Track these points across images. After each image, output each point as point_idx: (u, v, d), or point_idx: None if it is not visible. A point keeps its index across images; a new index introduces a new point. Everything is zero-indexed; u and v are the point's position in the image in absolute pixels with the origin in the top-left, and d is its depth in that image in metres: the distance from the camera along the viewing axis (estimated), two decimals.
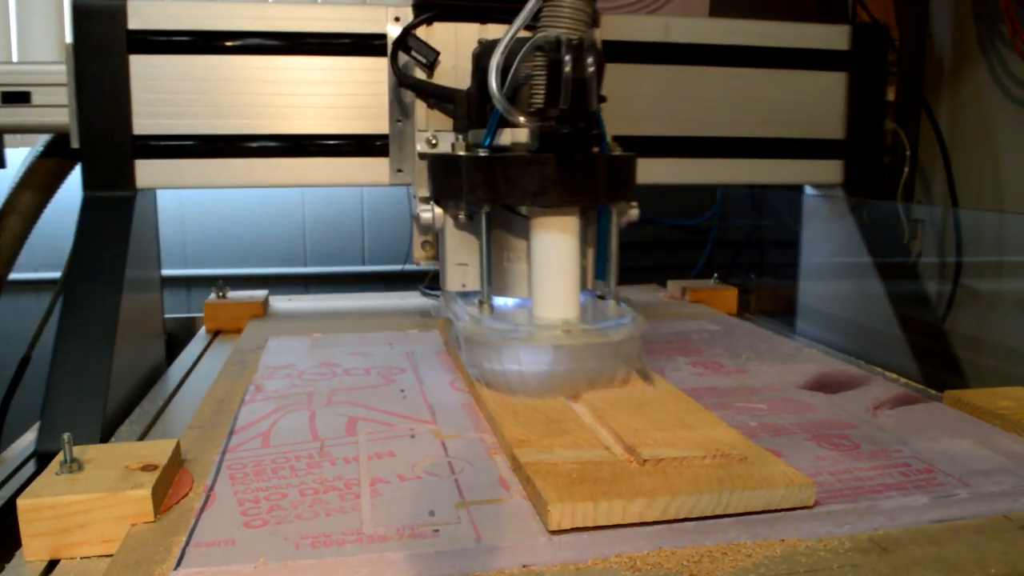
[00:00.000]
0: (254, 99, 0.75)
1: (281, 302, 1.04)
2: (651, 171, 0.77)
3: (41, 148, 0.83)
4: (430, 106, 0.72)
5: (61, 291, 0.79)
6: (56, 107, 0.74)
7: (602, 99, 0.58)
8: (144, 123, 0.73)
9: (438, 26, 0.72)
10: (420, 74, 0.72)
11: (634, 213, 0.65)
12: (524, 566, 0.39)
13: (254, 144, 0.76)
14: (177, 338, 0.98)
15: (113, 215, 0.72)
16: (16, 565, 0.41)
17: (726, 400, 0.62)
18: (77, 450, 0.45)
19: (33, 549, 0.41)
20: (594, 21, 0.57)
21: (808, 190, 0.93)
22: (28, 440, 0.62)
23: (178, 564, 0.37)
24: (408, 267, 1.42)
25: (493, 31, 0.72)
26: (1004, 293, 0.96)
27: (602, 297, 0.64)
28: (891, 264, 0.82)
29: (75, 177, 0.77)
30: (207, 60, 0.74)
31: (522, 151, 0.58)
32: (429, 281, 1.14)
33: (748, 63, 0.84)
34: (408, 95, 0.75)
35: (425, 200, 0.67)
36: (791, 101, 0.86)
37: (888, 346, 0.78)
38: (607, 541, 0.40)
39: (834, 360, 0.75)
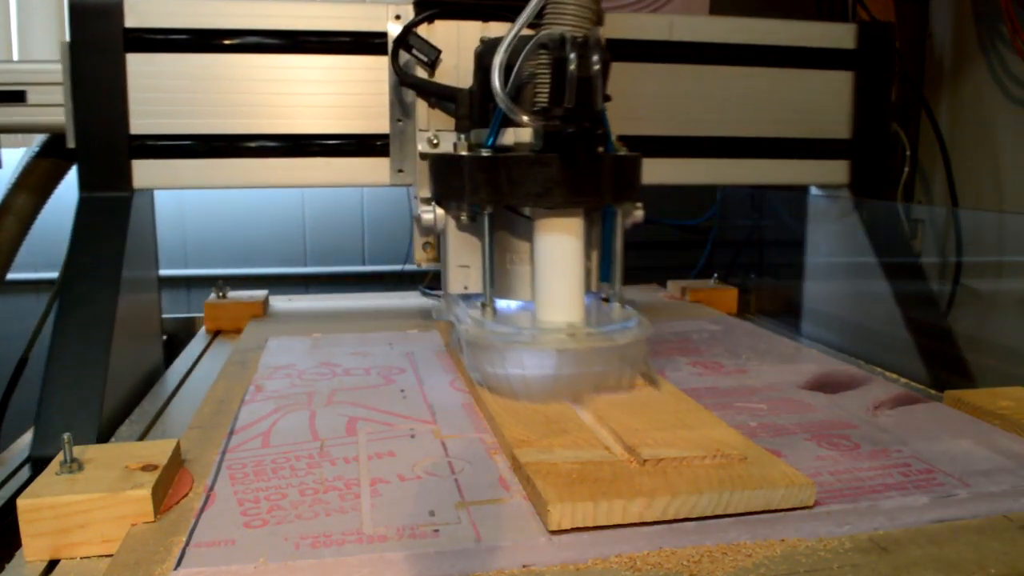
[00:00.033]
0: (252, 98, 0.75)
1: (281, 302, 1.04)
2: (655, 171, 0.77)
3: (37, 148, 0.82)
4: (431, 105, 0.71)
5: (58, 292, 0.78)
6: (52, 106, 0.73)
7: (607, 98, 0.57)
8: (141, 123, 0.73)
9: (439, 24, 0.72)
10: (421, 73, 0.72)
11: (639, 214, 0.64)
12: (524, 566, 0.39)
13: (252, 144, 0.75)
14: (177, 338, 0.98)
15: (109, 216, 0.71)
16: (16, 565, 0.41)
17: (726, 400, 0.61)
18: (77, 450, 0.45)
19: (33, 549, 0.41)
20: (598, 19, 0.56)
21: (813, 190, 0.93)
22: (26, 442, 0.61)
23: (178, 564, 0.37)
24: (408, 267, 1.42)
25: (495, 29, 0.71)
26: (1004, 293, 0.96)
27: (607, 300, 0.64)
28: (894, 264, 0.81)
29: (75, 176, 0.76)
30: (205, 59, 0.74)
31: (525, 151, 0.57)
32: (429, 281, 1.14)
33: (753, 62, 0.84)
34: (409, 94, 0.74)
35: (426, 201, 0.66)
36: (797, 100, 0.85)
37: (889, 346, 0.78)
38: (607, 541, 0.40)
39: (834, 360, 0.75)
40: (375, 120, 0.77)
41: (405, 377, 0.68)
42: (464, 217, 0.63)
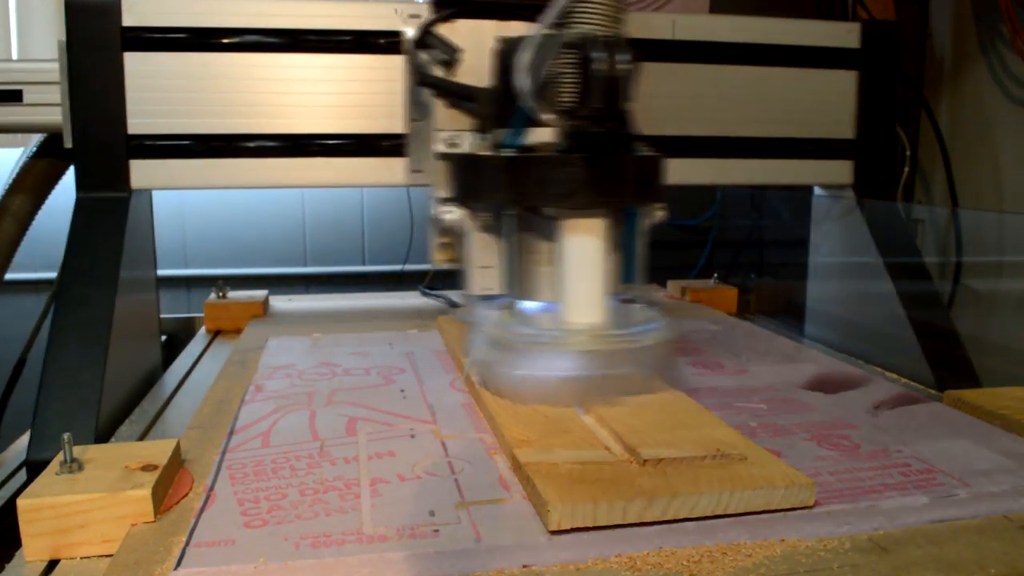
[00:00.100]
0: (251, 97, 0.75)
1: (281, 302, 1.04)
2: None
3: (34, 148, 0.82)
4: (450, 105, 0.71)
5: (55, 293, 0.78)
6: (49, 106, 0.73)
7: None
8: (139, 122, 0.73)
9: (455, 23, 0.71)
10: (438, 72, 0.71)
11: (660, 215, 0.63)
12: (524, 566, 0.39)
13: (252, 144, 0.75)
14: (177, 338, 0.98)
15: (107, 216, 0.71)
16: (16, 565, 0.41)
17: (726, 400, 0.61)
18: (77, 450, 0.45)
19: (33, 549, 0.41)
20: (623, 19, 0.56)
21: (817, 191, 0.93)
22: (25, 443, 0.61)
23: (178, 564, 0.37)
24: (408, 267, 1.42)
25: (513, 28, 0.71)
26: (1004, 293, 0.96)
27: (630, 301, 0.63)
28: (897, 264, 0.81)
29: (73, 177, 0.76)
30: (204, 58, 0.74)
31: (549, 151, 0.56)
32: (429, 281, 1.14)
33: (756, 61, 0.83)
34: (425, 94, 0.74)
35: (445, 201, 0.65)
36: (800, 100, 0.85)
37: (890, 346, 0.78)
38: (607, 541, 0.40)
39: (834, 360, 0.75)
40: (377, 120, 0.77)
41: (405, 377, 0.68)
42: (486, 218, 0.62)
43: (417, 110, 0.75)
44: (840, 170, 0.87)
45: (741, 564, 0.39)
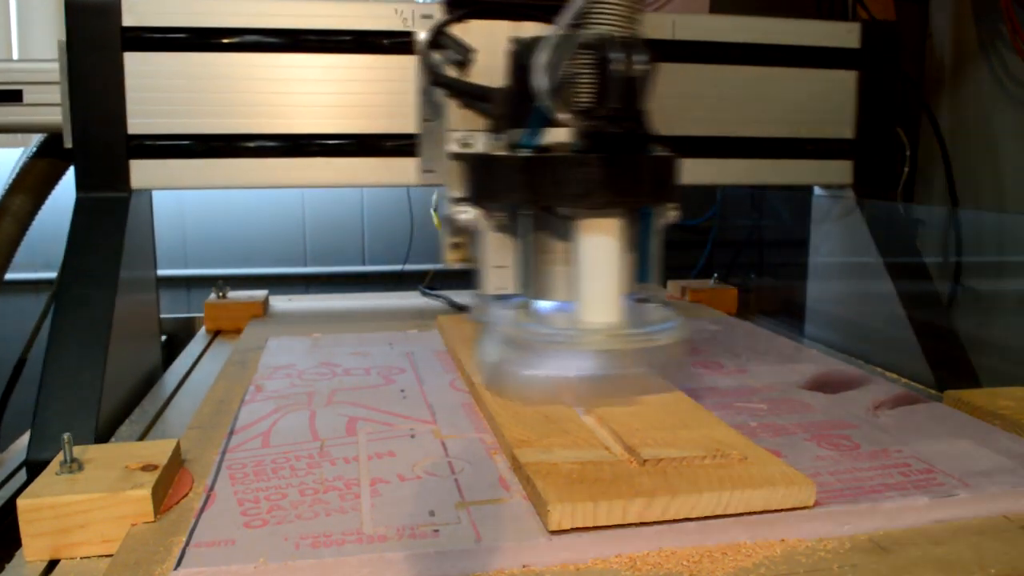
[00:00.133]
0: (252, 97, 0.75)
1: (281, 302, 1.04)
2: None
3: (34, 148, 0.82)
4: (463, 105, 0.70)
5: (55, 293, 0.78)
6: (49, 106, 0.73)
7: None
8: (139, 122, 0.73)
9: (468, 23, 0.71)
10: (451, 72, 0.71)
11: (673, 215, 0.63)
12: (524, 566, 0.39)
13: (252, 144, 0.75)
14: (177, 338, 0.98)
15: (107, 216, 0.71)
16: (16, 565, 0.41)
17: (726, 400, 0.61)
18: (77, 450, 0.45)
19: (33, 549, 0.41)
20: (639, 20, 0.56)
21: (817, 191, 0.93)
22: (26, 443, 0.61)
23: (178, 564, 0.37)
24: (408, 267, 1.42)
25: (527, 29, 0.71)
26: (1004, 293, 0.96)
27: (645, 300, 0.63)
28: (897, 264, 0.81)
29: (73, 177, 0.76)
30: (204, 58, 0.74)
31: (565, 151, 0.56)
32: (429, 281, 1.14)
33: (756, 61, 0.83)
34: (439, 94, 0.73)
35: (459, 201, 0.65)
36: (800, 100, 0.85)
37: (890, 346, 0.78)
38: (607, 541, 0.40)
39: (834, 360, 0.75)
40: (378, 120, 0.77)
41: (405, 377, 0.68)
42: (501, 218, 0.62)
43: (429, 110, 0.75)
44: (840, 170, 0.87)
45: (741, 564, 0.39)
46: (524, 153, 0.57)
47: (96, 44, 0.71)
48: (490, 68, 0.70)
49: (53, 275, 0.94)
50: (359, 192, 1.40)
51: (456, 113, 0.70)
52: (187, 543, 0.39)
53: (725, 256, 1.31)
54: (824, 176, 0.88)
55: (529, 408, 0.54)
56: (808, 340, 0.90)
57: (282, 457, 0.50)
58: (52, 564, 0.41)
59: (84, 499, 0.41)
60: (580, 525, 0.40)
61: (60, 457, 0.44)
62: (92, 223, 0.70)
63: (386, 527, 0.41)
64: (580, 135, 0.55)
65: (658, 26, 0.81)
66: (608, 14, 0.54)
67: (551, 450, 0.47)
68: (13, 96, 0.74)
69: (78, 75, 0.71)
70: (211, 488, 0.45)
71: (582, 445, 0.48)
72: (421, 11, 0.75)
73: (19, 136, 1.07)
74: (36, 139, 0.83)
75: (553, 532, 0.40)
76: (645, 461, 0.45)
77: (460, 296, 1.06)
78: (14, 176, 0.82)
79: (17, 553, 0.41)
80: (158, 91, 0.73)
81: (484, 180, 0.61)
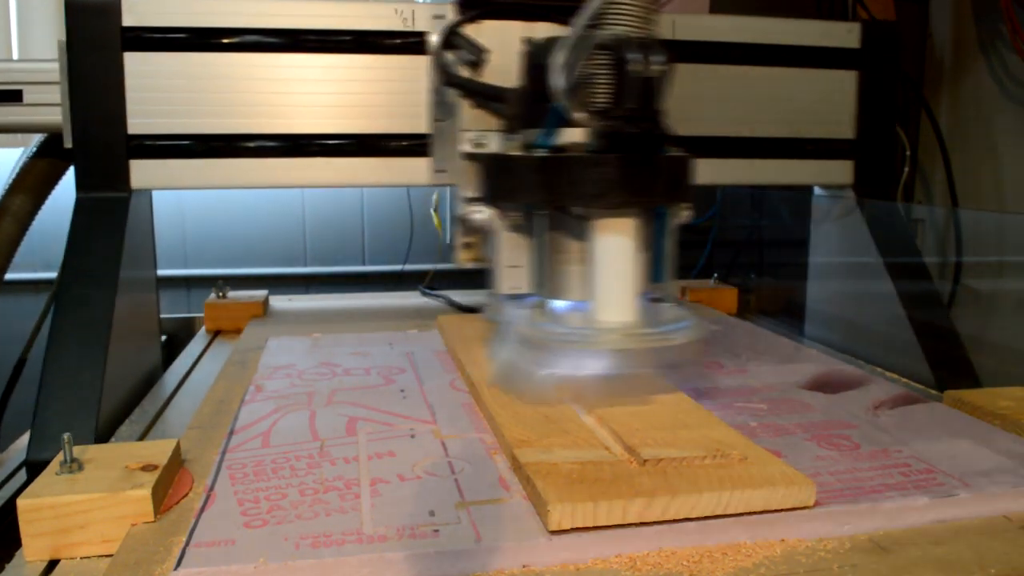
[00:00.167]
0: (252, 97, 0.74)
1: (281, 302, 1.04)
2: None
3: (34, 149, 0.82)
4: (476, 105, 0.70)
5: (55, 293, 0.78)
6: (49, 106, 0.73)
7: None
8: (139, 122, 0.73)
9: (481, 23, 0.71)
10: (464, 73, 0.71)
11: (686, 215, 0.63)
12: (524, 566, 0.39)
13: (252, 144, 0.75)
14: (177, 338, 0.98)
15: (107, 216, 0.71)
16: (16, 565, 0.41)
17: (726, 400, 0.61)
18: (77, 450, 0.45)
19: (33, 549, 0.41)
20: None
21: (817, 191, 0.93)
22: (26, 442, 0.61)
23: (178, 564, 0.37)
24: (408, 267, 1.42)
25: (540, 30, 0.71)
26: (1004, 293, 0.96)
27: (659, 300, 0.63)
28: (897, 264, 0.81)
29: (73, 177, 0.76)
30: (204, 58, 0.74)
31: (580, 151, 0.56)
32: (429, 281, 1.14)
33: (756, 61, 0.83)
34: (451, 94, 0.73)
35: (473, 201, 0.65)
36: (800, 100, 0.85)
37: (890, 346, 0.78)
38: (607, 541, 0.40)
39: (834, 360, 0.75)
40: (377, 120, 0.77)
41: (405, 377, 0.68)
42: (516, 217, 0.63)
43: (441, 110, 0.75)
44: (840, 170, 0.87)
45: (741, 564, 0.39)
46: (540, 153, 0.57)
47: (96, 44, 0.71)
48: (503, 68, 0.70)
49: (53, 275, 0.94)
50: (359, 192, 1.40)
51: (469, 113, 0.71)
52: (187, 543, 0.39)
53: (725, 256, 1.31)
54: (824, 176, 0.88)
55: (529, 408, 0.55)
56: (808, 340, 0.90)
57: (282, 457, 0.50)
58: (52, 564, 0.41)
59: (84, 499, 0.41)
60: (580, 525, 0.40)
61: (60, 457, 0.44)
62: (92, 223, 0.70)
63: (386, 527, 0.41)
64: (596, 135, 0.55)
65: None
66: (624, 15, 0.54)
67: (551, 450, 0.47)
68: (13, 96, 0.74)
69: (78, 75, 0.71)
70: (211, 488, 0.45)
71: (582, 445, 0.48)
72: (422, 11, 0.75)
73: (19, 136, 1.07)
74: (36, 139, 0.83)
75: (553, 532, 0.40)
76: (645, 461, 0.45)
77: (460, 296, 1.06)
78: (14, 176, 0.82)
79: (17, 553, 0.41)
80: (158, 91, 0.73)
81: (500, 180, 0.61)
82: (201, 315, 0.96)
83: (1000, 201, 1.05)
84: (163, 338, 0.93)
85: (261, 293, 0.99)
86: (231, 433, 0.54)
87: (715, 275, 1.09)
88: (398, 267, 1.42)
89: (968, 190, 1.09)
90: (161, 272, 0.88)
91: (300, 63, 0.75)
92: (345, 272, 1.42)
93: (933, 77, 1.16)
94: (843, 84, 0.86)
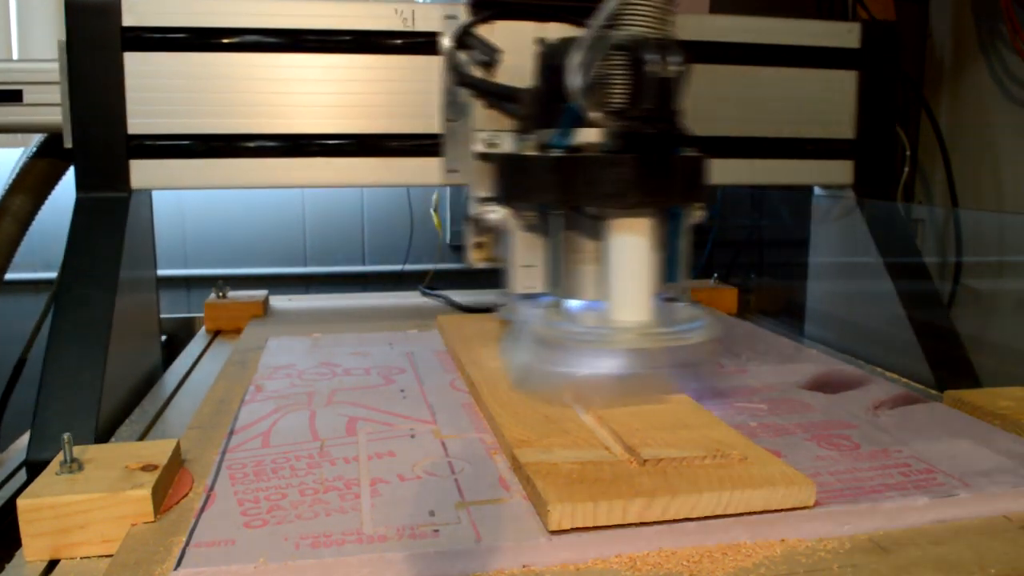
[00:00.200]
0: (252, 97, 0.74)
1: (281, 302, 1.04)
2: None
3: (34, 149, 0.82)
4: (488, 106, 0.70)
5: (55, 293, 0.78)
6: (48, 106, 0.73)
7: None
8: (139, 122, 0.72)
9: (494, 24, 0.71)
10: (476, 73, 0.71)
11: (699, 214, 0.63)
12: (524, 566, 0.39)
13: (252, 144, 0.75)
14: (177, 338, 0.98)
15: (107, 216, 0.71)
16: (16, 565, 0.41)
17: (726, 400, 0.61)
18: (77, 450, 0.45)
19: (33, 549, 0.41)
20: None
21: (817, 191, 0.93)
22: (26, 442, 0.61)
23: (178, 564, 0.37)
24: (408, 267, 1.42)
25: (553, 30, 0.71)
26: (1004, 293, 0.96)
27: (673, 300, 0.63)
28: (897, 264, 0.81)
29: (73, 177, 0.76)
30: (204, 58, 0.74)
31: (595, 152, 0.56)
32: (429, 281, 1.14)
33: (756, 61, 0.83)
34: (464, 94, 0.73)
35: (486, 201, 0.65)
36: (800, 100, 0.85)
37: (890, 346, 0.78)
38: (607, 541, 0.40)
39: (834, 360, 0.75)
40: (378, 120, 0.77)
41: (405, 377, 0.68)
42: (530, 217, 0.62)
43: (453, 110, 0.75)
44: (840, 170, 0.87)
45: (741, 564, 0.39)
46: (556, 153, 0.57)
47: (96, 44, 0.71)
48: (515, 68, 0.70)
49: (53, 275, 0.94)
50: (359, 192, 1.40)
51: (481, 113, 0.71)
52: (187, 543, 0.39)
53: (725, 256, 1.31)
54: (824, 176, 0.88)
55: (529, 408, 0.55)
56: (808, 340, 0.90)
57: (282, 457, 0.50)
58: (52, 564, 0.41)
59: (84, 499, 0.41)
60: (580, 525, 0.40)
61: (60, 457, 0.44)
62: (92, 223, 0.70)
63: (386, 527, 0.41)
64: (612, 135, 0.55)
65: None
66: (641, 15, 0.54)
67: (551, 450, 0.47)
68: (13, 96, 0.74)
69: (78, 75, 0.71)
70: (211, 488, 0.45)
71: (582, 445, 0.48)
72: (422, 11, 0.75)
73: (19, 136, 1.07)
74: (36, 139, 0.83)
75: (553, 532, 0.40)
76: (645, 461, 0.45)
77: (460, 296, 1.06)
78: (14, 176, 0.82)
79: (17, 553, 0.41)
80: (158, 91, 0.73)
81: (515, 180, 0.61)
82: (201, 315, 0.96)
83: (1000, 201, 1.05)
84: (163, 338, 0.93)
85: (261, 293, 0.99)
86: (231, 433, 0.54)
87: (715, 275, 1.09)
88: (398, 267, 1.42)
89: (968, 190, 1.09)
90: (161, 272, 0.88)
91: (300, 63, 0.75)
92: (345, 272, 1.42)
93: (933, 77, 1.16)
94: (843, 84, 0.86)
